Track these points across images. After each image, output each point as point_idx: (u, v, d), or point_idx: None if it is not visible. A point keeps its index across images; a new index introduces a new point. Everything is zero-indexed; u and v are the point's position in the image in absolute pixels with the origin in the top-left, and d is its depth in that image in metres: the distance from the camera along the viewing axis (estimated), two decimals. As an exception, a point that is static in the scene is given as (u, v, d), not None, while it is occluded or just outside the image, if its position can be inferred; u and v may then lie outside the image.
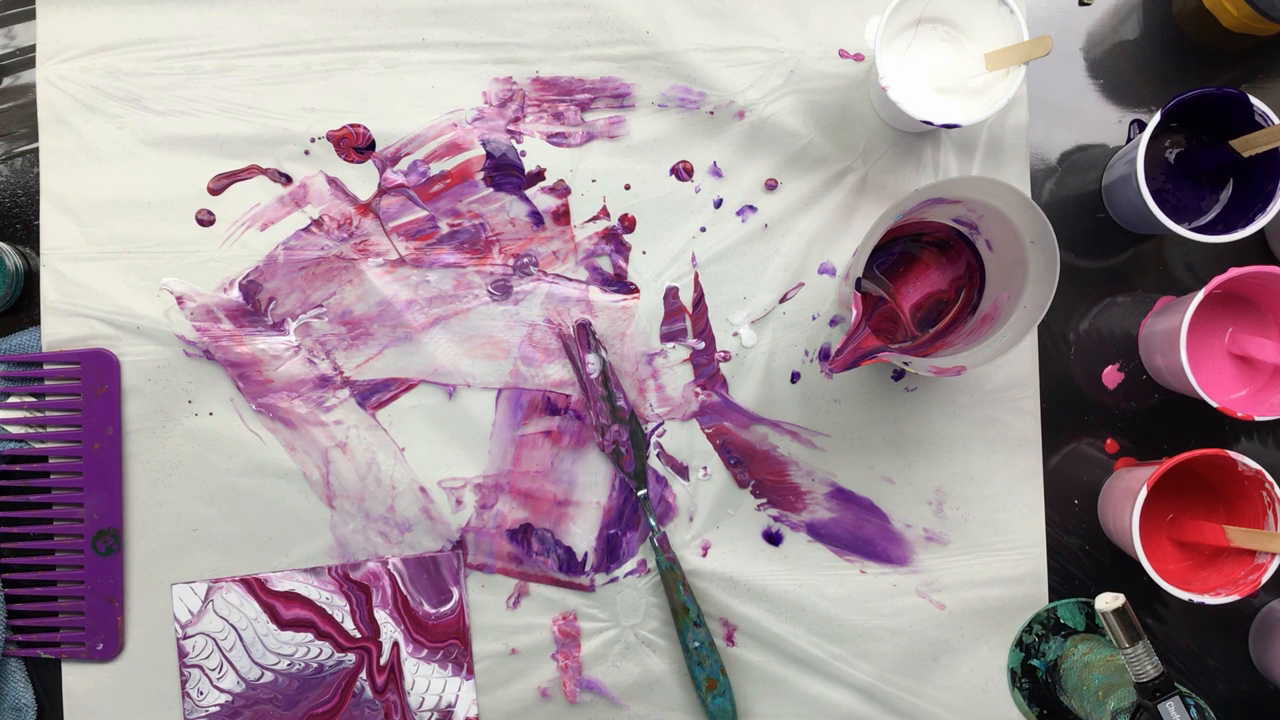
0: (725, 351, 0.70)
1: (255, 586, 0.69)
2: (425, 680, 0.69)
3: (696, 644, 0.68)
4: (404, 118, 0.70)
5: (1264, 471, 0.62)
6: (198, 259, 0.70)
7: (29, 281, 0.71)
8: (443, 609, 0.69)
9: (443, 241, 0.70)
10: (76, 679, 0.69)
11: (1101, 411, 0.71)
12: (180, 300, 0.70)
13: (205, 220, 0.70)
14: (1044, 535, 0.70)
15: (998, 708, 0.69)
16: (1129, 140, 0.71)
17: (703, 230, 0.70)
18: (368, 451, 0.70)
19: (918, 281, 0.69)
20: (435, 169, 0.70)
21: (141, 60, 0.70)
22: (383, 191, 0.70)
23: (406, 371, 0.70)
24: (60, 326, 0.70)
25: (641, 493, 0.70)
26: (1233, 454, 0.63)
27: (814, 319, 0.70)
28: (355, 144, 0.70)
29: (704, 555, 0.70)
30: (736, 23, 0.70)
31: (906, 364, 0.61)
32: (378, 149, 0.70)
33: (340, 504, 0.70)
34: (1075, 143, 0.72)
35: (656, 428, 0.70)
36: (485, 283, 0.70)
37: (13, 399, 0.69)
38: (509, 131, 0.70)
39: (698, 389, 0.70)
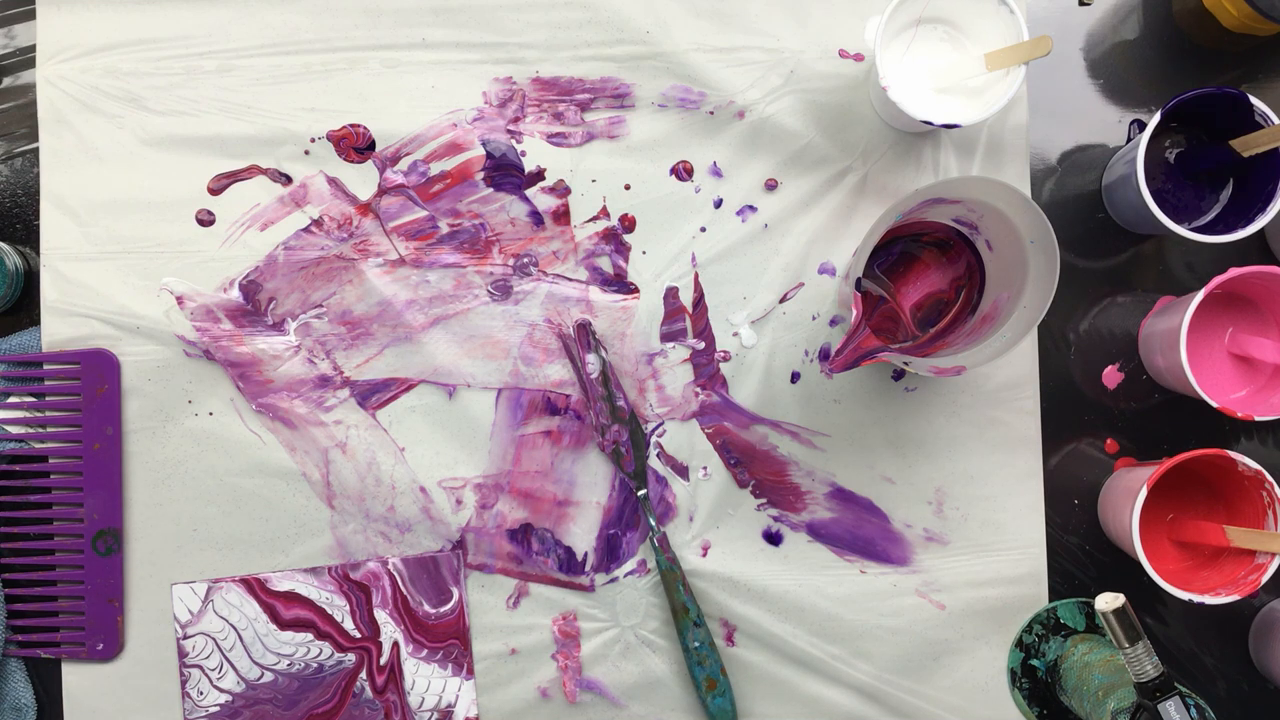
0: (725, 351, 0.70)
1: (255, 586, 0.69)
2: (425, 680, 0.69)
3: (696, 644, 0.68)
4: (404, 118, 0.70)
5: (1264, 471, 0.62)
6: (198, 259, 0.70)
7: (29, 281, 0.71)
8: (443, 609, 0.69)
9: (443, 241, 0.70)
10: (76, 679, 0.69)
11: (1101, 411, 0.71)
12: (180, 300, 0.70)
13: (205, 220, 0.70)
14: (1044, 535, 0.70)
15: (998, 708, 0.69)
16: (1129, 140, 0.71)
17: (703, 230, 0.70)
18: (368, 451, 0.70)
19: (918, 281, 0.69)
20: (435, 169, 0.70)
21: (141, 60, 0.70)
22: (383, 191, 0.70)
23: (406, 371, 0.70)
24: (60, 326, 0.70)
25: (641, 493, 0.70)
26: (1233, 454, 0.63)
27: (814, 319, 0.70)
28: (355, 144, 0.70)
29: (704, 555, 0.70)
30: (736, 23, 0.70)
31: (906, 364, 0.61)
32: (378, 149, 0.70)
33: (340, 504, 0.70)
34: (1075, 143, 0.72)
35: (656, 428, 0.70)
36: (485, 283, 0.70)
37: (13, 399, 0.69)
38: (509, 131, 0.70)
39: (698, 389, 0.70)
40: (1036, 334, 0.70)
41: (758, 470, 0.70)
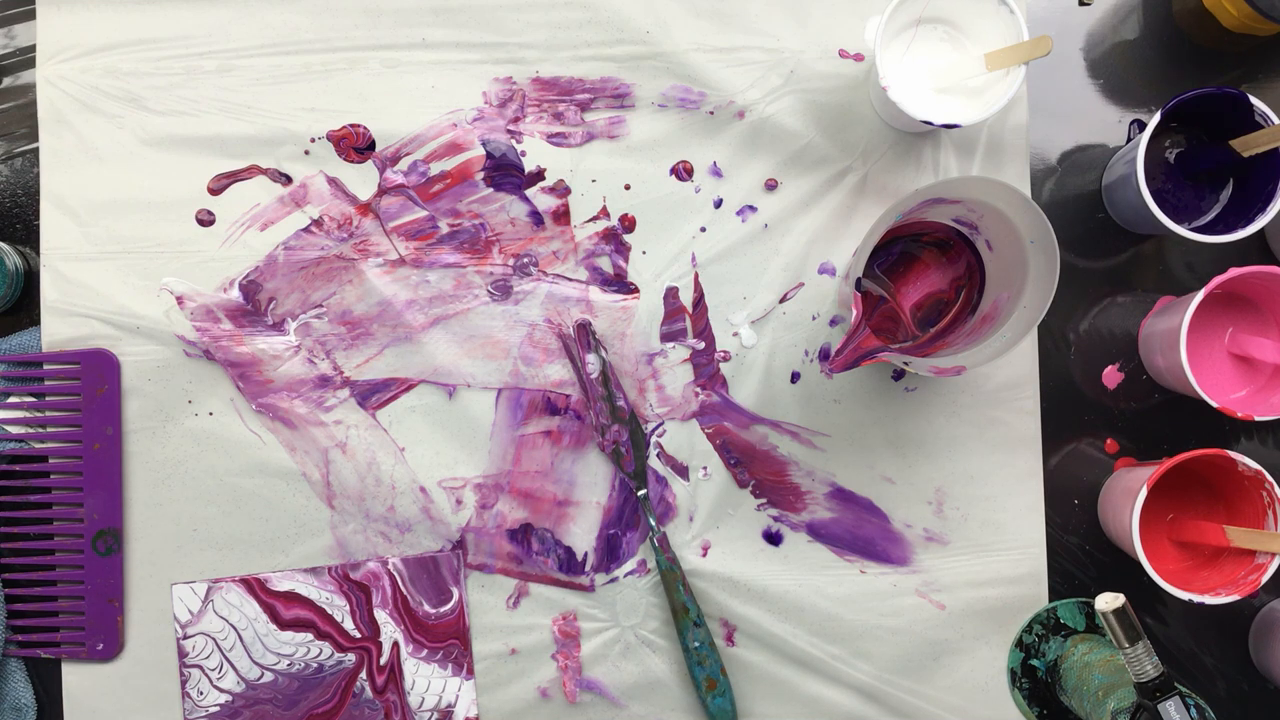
0: (725, 351, 0.70)
1: (255, 586, 0.69)
2: (425, 680, 0.69)
3: (696, 644, 0.68)
4: (404, 118, 0.70)
5: (1264, 471, 0.62)
6: (198, 259, 0.70)
7: (29, 281, 0.71)
8: (443, 609, 0.69)
9: (443, 241, 0.70)
10: (76, 679, 0.69)
11: (1101, 411, 0.71)
12: (180, 300, 0.70)
13: (205, 220, 0.70)
14: (1044, 535, 0.70)
15: (998, 708, 0.69)
16: (1129, 140, 0.71)
17: (703, 230, 0.70)
18: (368, 451, 0.70)
19: (918, 281, 0.69)
20: (435, 169, 0.70)
21: (141, 60, 0.70)
22: (383, 191, 0.70)
23: (406, 371, 0.70)
24: (60, 326, 0.70)
25: (641, 493, 0.70)
26: (1233, 454, 0.63)
27: (814, 319, 0.70)
28: (355, 144, 0.70)
29: (704, 555, 0.70)
30: (736, 23, 0.70)
31: (906, 364, 0.61)
32: (378, 149, 0.70)
33: (340, 504, 0.70)
34: (1075, 143, 0.72)
35: (656, 428, 0.70)
36: (485, 283, 0.70)
37: (13, 399, 0.69)
38: (509, 131, 0.70)
39: (698, 389, 0.70)
40: (1036, 334, 0.70)
41: (758, 470, 0.70)
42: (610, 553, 0.70)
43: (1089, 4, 0.72)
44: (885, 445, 0.70)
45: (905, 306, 0.69)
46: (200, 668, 0.69)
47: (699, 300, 0.70)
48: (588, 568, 0.70)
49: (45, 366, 0.69)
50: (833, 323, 0.70)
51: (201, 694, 0.69)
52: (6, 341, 0.70)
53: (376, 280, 0.70)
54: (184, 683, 0.69)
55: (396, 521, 0.70)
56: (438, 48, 0.71)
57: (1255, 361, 0.67)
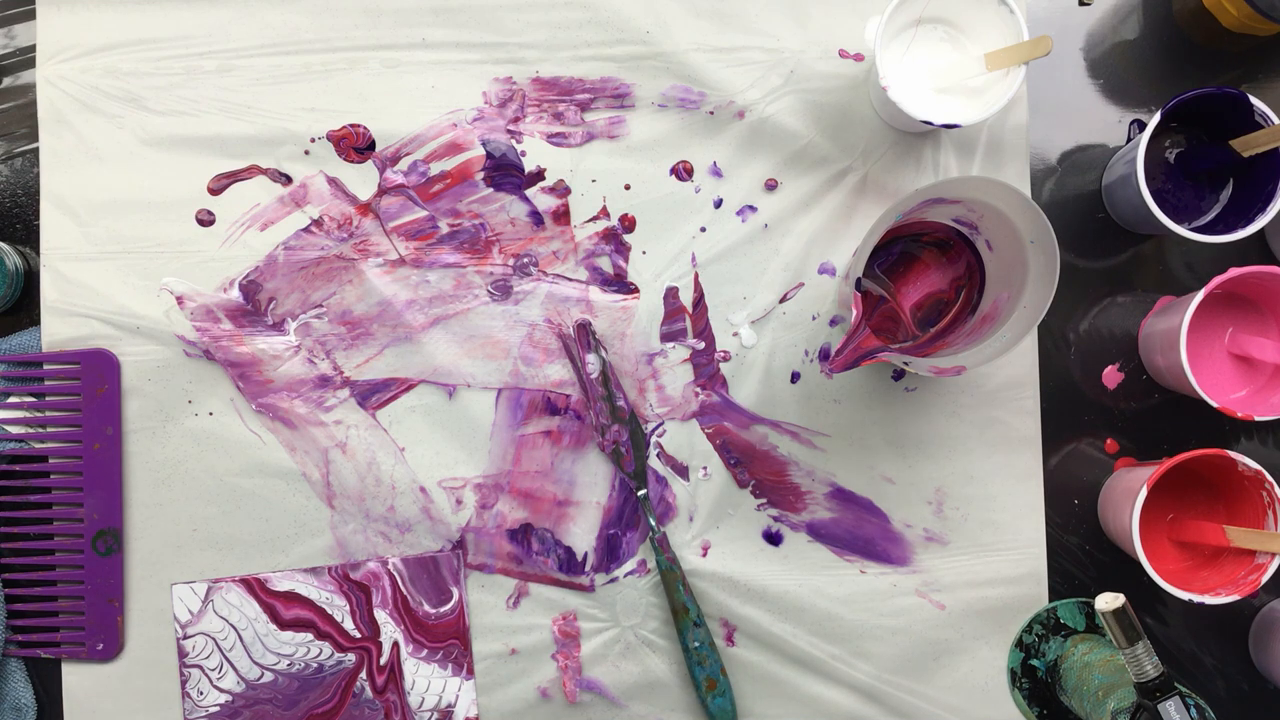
0: (725, 351, 0.70)
1: (255, 586, 0.69)
2: (425, 680, 0.69)
3: (696, 644, 0.68)
4: (404, 118, 0.70)
5: (1264, 471, 0.62)
6: (198, 259, 0.70)
7: (29, 281, 0.71)
8: (443, 609, 0.69)
9: (443, 241, 0.70)
10: (76, 679, 0.69)
11: (1101, 411, 0.71)
12: (180, 300, 0.70)
13: (205, 220, 0.70)
14: (1044, 535, 0.70)
15: (998, 708, 0.69)
16: (1129, 140, 0.71)
17: (703, 230, 0.70)
18: (368, 451, 0.70)
19: (918, 281, 0.69)
20: (435, 169, 0.70)
21: (141, 60, 0.70)
22: (383, 191, 0.70)
23: (406, 371, 0.70)
24: (60, 326, 0.70)
25: (641, 493, 0.70)
26: (1233, 454, 0.63)
27: (814, 319, 0.70)
28: (355, 144, 0.70)
29: (704, 555, 0.70)
30: (736, 23, 0.70)
31: (906, 364, 0.61)
32: (378, 149, 0.70)
33: (340, 504, 0.70)
34: (1075, 143, 0.72)
35: (656, 428, 0.70)
36: (485, 283, 0.70)
37: (13, 399, 0.69)
38: (509, 131, 0.70)
39: (698, 389, 0.70)
40: (1036, 334, 0.70)
41: (758, 470, 0.70)
42: (610, 553, 0.70)
43: (1089, 4, 0.72)
44: (885, 445, 0.70)
45: (905, 306, 0.69)
46: (200, 668, 0.69)
47: (699, 300, 0.70)
48: (588, 568, 0.70)
49: (45, 366, 0.69)
50: (833, 323, 0.70)
51: (201, 694, 0.69)
52: (6, 341, 0.70)
53: (376, 280, 0.70)
54: (184, 683, 0.69)
55: (396, 521, 0.70)
56: (438, 48, 0.71)
57: (1255, 361, 0.67)
